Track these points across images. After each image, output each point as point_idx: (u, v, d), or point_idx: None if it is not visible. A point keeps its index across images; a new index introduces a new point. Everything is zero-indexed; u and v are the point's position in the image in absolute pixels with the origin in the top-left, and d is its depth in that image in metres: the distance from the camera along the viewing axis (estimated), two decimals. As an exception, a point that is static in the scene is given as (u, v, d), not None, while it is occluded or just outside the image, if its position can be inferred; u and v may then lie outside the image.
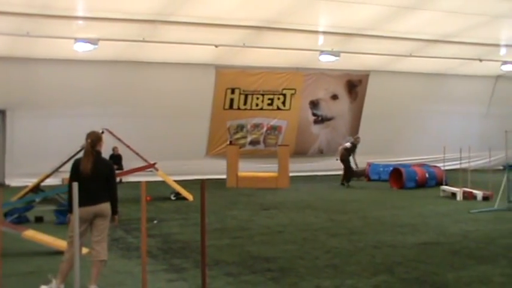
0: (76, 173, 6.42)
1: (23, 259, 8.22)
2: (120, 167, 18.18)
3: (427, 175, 18.23)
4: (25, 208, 11.58)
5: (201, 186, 5.73)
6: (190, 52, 18.00)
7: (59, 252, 7.62)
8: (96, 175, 6.43)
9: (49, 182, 14.46)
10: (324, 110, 22.41)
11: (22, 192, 13.63)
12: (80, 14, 15.00)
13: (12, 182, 18.08)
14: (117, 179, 18.52)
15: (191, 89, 19.63)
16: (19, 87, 17.88)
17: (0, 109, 18.49)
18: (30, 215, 11.58)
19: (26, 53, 17.19)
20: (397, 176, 18.15)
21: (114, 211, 6.63)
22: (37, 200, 11.86)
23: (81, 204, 5.79)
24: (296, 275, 7.29)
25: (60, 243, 8.02)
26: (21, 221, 11.14)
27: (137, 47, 17.18)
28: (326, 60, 19.19)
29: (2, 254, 4.80)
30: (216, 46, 17.29)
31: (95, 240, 6.50)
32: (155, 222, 11.42)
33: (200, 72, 19.71)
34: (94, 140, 6.56)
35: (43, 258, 8.22)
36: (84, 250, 6.93)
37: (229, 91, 20.73)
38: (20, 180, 17.52)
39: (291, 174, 18.40)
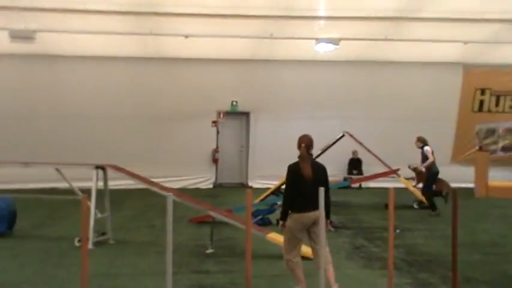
0: (296, 178, 6.43)
1: (267, 261, 8.25)
2: (360, 172, 17.75)
3: None
4: (268, 210, 11.72)
5: (452, 195, 5.34)
6: (434, 50, 17.07)
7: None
8: (316, 180, 6.37)
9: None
10: None
11: (264, 195, 13.84)
12: (322, 13, 14.86)
13: (253, 183, 18.63)
14: (357, 185, 18.14)
15: (435, 89, 18.65)
16: (261, 89, 18.39)
17: (244, 111, 19.09)
18: (272, 217, 11.56)
19: (268, 55, 17.59)
20: None
21: (327, 216, 6.45)
22: (278, 203, 11.79)
23: (302, 209, 6.28)
24: None
25: (302, 249, 7.77)
26: (265, 223, 11.29)
27: (378, 45, 16.62)
28: None
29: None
30: (465, 43, 16.18)
31: (319, 246, 6.18)
32: (398, 231, 10.67)
33: (445, 72, 18.65)
34: (308, 144, 6.58)
35: (285, 262, 8.11)
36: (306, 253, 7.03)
37: (478, 92, 19.45)
38: (260, 182, 18.04)
39: (549, 184, 16.42)
